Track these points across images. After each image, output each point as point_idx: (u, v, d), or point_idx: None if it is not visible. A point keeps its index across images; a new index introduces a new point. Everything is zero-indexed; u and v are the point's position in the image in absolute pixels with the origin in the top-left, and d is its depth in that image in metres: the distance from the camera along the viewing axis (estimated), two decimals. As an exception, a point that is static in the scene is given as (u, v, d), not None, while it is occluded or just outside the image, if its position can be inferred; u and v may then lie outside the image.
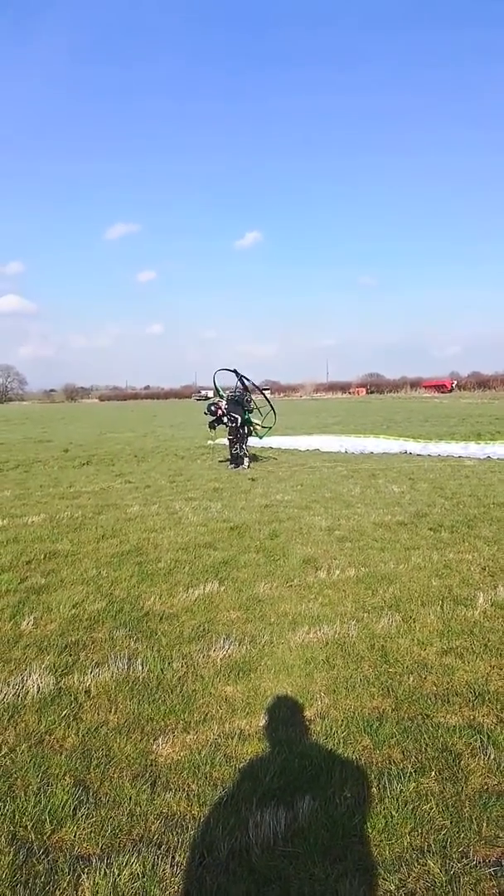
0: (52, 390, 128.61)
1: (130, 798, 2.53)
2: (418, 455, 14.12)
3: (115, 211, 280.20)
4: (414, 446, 15.52)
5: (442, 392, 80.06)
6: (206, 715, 3.15)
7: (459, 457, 13.51)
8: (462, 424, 23.84)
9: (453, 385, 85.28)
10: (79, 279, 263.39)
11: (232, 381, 13.59)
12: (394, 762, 2.73)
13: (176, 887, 2.10)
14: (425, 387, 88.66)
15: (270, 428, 14.21)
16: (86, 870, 2.15)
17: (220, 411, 12.60)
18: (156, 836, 2.33)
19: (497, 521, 7.15)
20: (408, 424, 24.95)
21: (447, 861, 2.18)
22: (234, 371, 13.38)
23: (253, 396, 13.53)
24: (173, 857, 2.21)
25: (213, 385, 13.72)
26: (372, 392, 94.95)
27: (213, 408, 12.69)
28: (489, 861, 2.19)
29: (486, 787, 2.57)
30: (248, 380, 13.42)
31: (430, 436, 18.65)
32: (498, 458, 12.90)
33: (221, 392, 13.35)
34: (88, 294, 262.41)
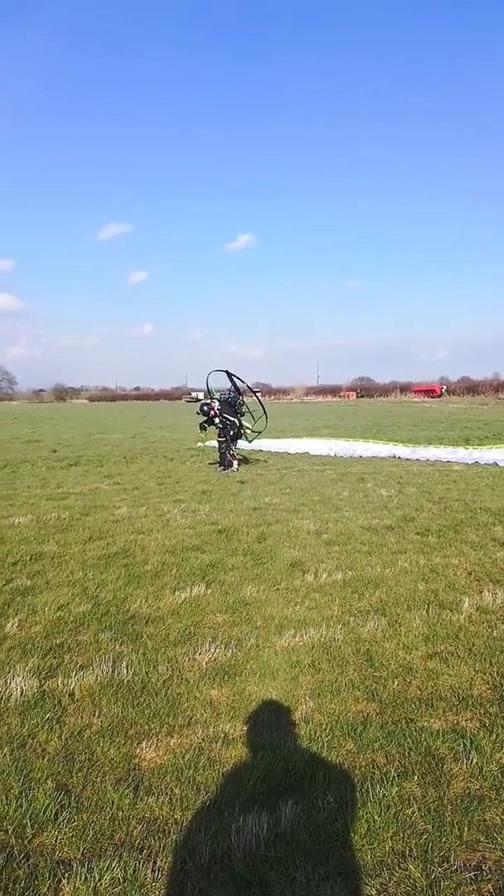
0: (41, 390, 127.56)
1: (113, 802, 2.52)
2: (407, 459, 14.19)
3: (109, 211, 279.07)
4: (403, 450, 15.59)
5: (431, 397, 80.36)
6: (191, 719, 3.14)
7: (448, 461, 13.59)
8: (451, 429, 23.98)
9: (442, 390, 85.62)
10: (70, 278, 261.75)
11: (224, 382, 13.57)
12: (377, 766, 2.74)
13: (157, 892, 2.09)
14: (415, 391, 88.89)
15: (260, 433, 14.21)
16: (66, 874, 2.14)
17: (213, 412, 12.53)
18: (138, 841, 2.32)
19: (483, 526, 7.19)
20: (397, 429, 25.06)
21: (428, 865, 2.19)
22: (227, 372, 13.38)
23: (244, 399, 13.50)
24: (155, 862, 2.20)
25: (205, 386, 13.67)
26: (362, 396, 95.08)
27: (206, 408, 12.60)
28: (470, 865, 2.20)
29: (468, 791, 2.58)
30: (241, 381, 13.41)
31: (418, 440, 18.74)
32: (486, 464, 12.97)
33: (213, 393, 13.30)
34: (79, 294, 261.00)
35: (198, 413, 12.94)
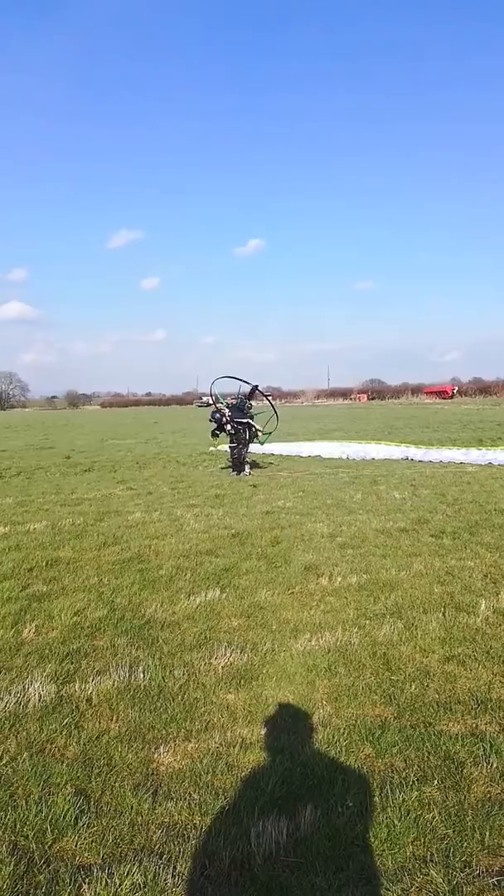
0: (54, 397, 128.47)
1: (132, 807, 2.52)
2: (420, 461, 14.11)
3: (120, 217, 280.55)
4: (415, 452, 15.50)
5: (443, 398, 79.89)
6: (208, 723, 3.14)
7: (461, 463, 13.50)
8: (463, 430, 23.81)
9: (454, 391, 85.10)
10: (83, 286, 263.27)
11: (230, 387, 13.59)
12: (396, 771, 2.73)
13: (177, 897, 2.09)
14: (426, 393, 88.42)
15: (271, 434, 14.19)
16: (87, 879, 2.15)
17: (224, 419, 12.53)
18: (157, 846, 2.32)
19: (499, 528, 7.13)
20: (409, 430, 24.93)
21: (450, 871, 2.17)
22: (234, 377, 13.41)
23: (253, 402, 13.49)
24: (175, 867, 2.21)
25: (211, 394, 13.67)
26: (373, 398, 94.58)
27: (217, 415, 12.61)
28: (492, 871, 2.18)
29: (488, 795, 2.56)
30: (250, 384, 13.41)
31: (431, 442, 18.64)
32: (499, 465, 12.85)
33: (221, 399, 13.32)
34: (92, 301, 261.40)
35: (210, 420, 12.91)
